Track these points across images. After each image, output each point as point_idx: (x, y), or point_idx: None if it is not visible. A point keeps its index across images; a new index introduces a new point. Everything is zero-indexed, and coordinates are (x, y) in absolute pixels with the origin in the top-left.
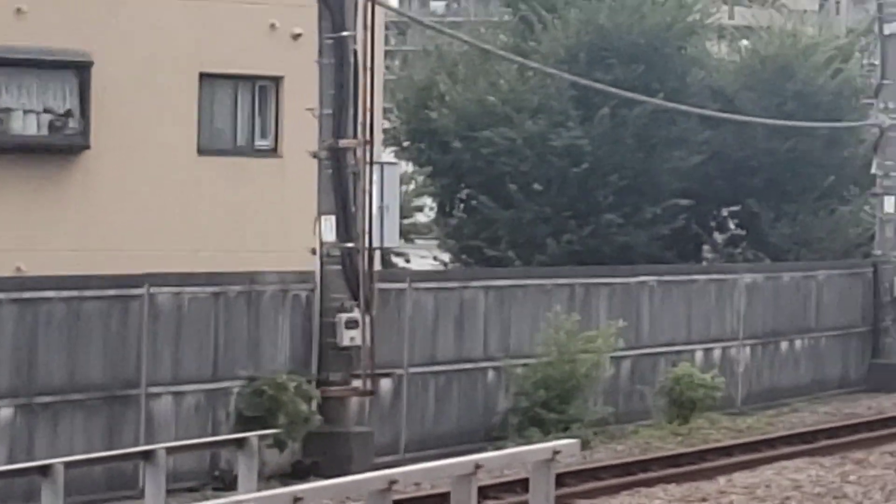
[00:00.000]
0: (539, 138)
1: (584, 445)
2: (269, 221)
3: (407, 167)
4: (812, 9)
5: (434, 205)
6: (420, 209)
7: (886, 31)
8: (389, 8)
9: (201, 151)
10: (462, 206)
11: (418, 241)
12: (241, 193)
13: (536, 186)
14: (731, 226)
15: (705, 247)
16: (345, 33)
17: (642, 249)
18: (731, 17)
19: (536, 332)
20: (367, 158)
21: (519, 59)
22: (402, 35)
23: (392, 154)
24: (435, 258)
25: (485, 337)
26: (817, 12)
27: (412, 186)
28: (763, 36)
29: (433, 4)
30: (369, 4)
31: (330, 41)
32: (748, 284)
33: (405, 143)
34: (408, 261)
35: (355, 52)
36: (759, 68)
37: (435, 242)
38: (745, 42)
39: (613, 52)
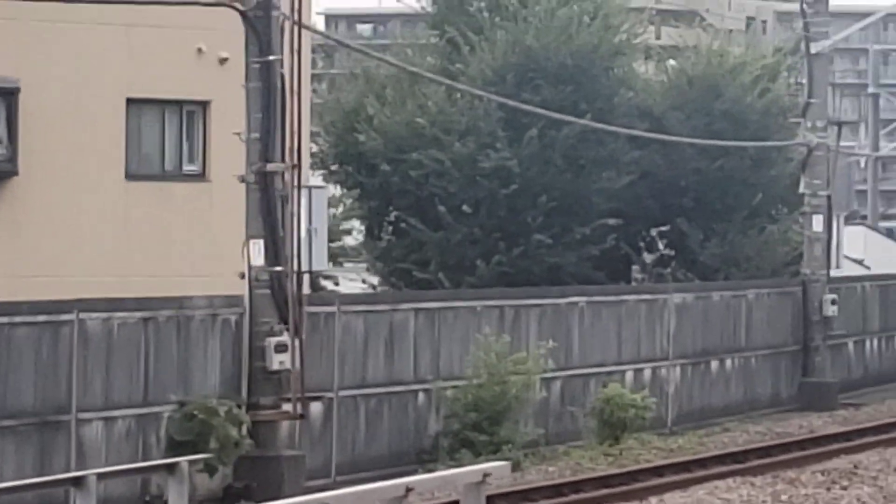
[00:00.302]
0: (468, 160)
1: (515, 467)
2: (198, 246)
3: (335, 190)
4: (739, 28)
5: (362, 228)
6: (348, 232)
7: (813, 50)
8: (315, 31)
9: (129, 176)
10: (391, 228)
11: (347, 265)
12: (170, 218)
13: (465, 208)
14: (661, 246)
15: (635, 267)
16: (271, 57)
17: (572, 270)
18: (657, 37)
19: (467, 353)
20: (296, 182)
21: (447, 81)
22: (329, 58)
23: (320, 177)
24: (364, 281)
25: (415, 359)
26: (744, 32)
27: (340, 209)
28: (690, 56)
29: (360, 27)
30: (295, 28)
31: (257, 65)
32: (678, 304)
33: (333, 167)
34: (337, 284)
35: (282, 76)
36: (686, 88)
37: (364, 266)
38: (672, 62)
39: (541, 73)
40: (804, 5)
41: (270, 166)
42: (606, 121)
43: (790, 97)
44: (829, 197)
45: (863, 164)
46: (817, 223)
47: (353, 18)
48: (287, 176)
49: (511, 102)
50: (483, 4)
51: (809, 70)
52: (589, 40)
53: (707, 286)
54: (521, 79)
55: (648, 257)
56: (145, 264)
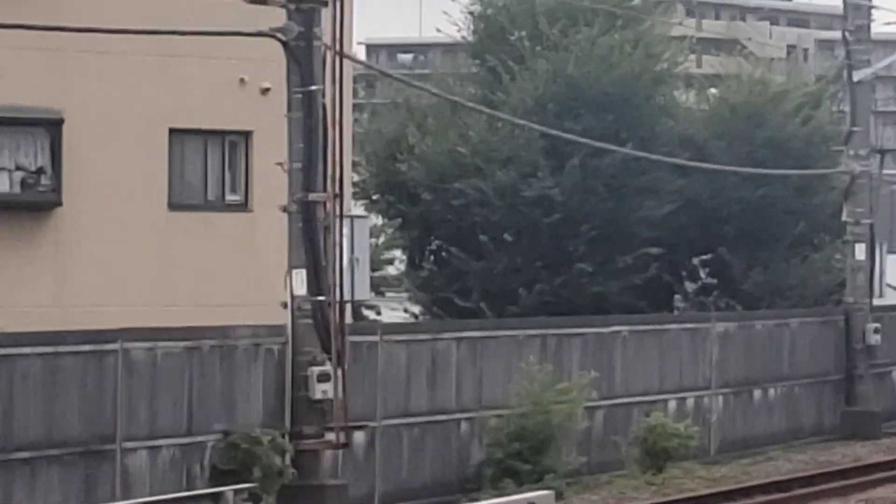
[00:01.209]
0: (510, 189)
1: (559, 496)
2: (241, 275)
3: (376, 220)
4: (780, 56)
5: (404, 257)
6: (390, 262)
7: (855, 78)
8: (357, 61)
9: (172, 206)
10: (432, 257)
11: (389, 294)
12: (212, 248)
13: (507, 237)
14: (703, 274)
15: (677, 296)
16: (313, 87)
17: (614, 299)
18: (699, 65)
19: (509, 382)
20: (338, 212)
21: (488, 110)
22: (371, 88)
23: (361, 207)
24: (406, 311)
25: (458, 388)
26: (785, 59)
27: (382, 239)
28: (732, 84)
29: (401, 57)
30: (337, 58)
31: (299, 95)
32: (721, 333)
33: (374, 196)
34: (378, 313)
35: (324, 106)
36: (728, 116)
37: (406, 295)
38: (713, 90)
39: (582, 102)
40: (846, 33)
41: (312, 196)
42: (648, 149)
43: (832, 125)
44: (871, 225)
45: None
46: (860, 252)
47: (394, 48)
48: (329, 205)
49: (552, 131)
50: (524, 34)
51: (852, 98)
52: (630, 69)
53: (750, 315)
54: (563, 107)
55: (691, 286)
56: (188, 294)
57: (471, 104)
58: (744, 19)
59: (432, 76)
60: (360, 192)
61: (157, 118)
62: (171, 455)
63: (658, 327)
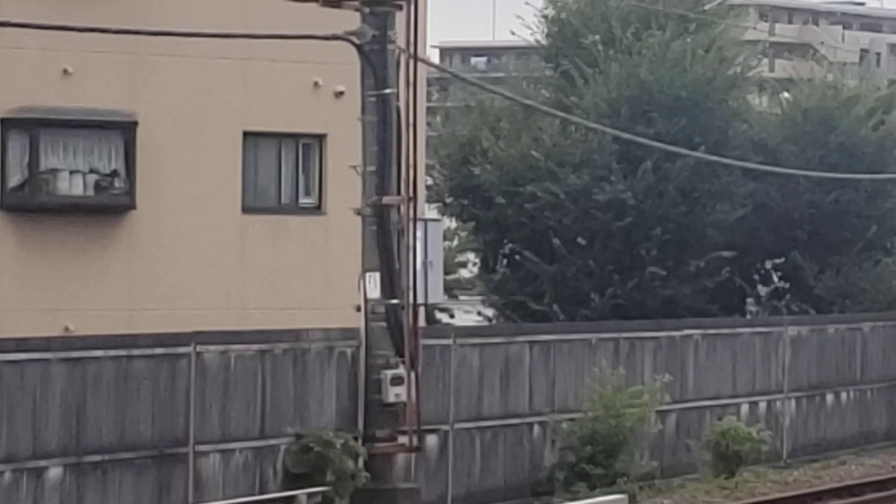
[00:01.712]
0: (582, 192)
1: (631, 500)
2: (314, 278)
3: (450, 223)
4: (852, 61)
5: (477, 260)
6: (463, 265)
7: None
8: (431, 65)
9: (246, 209)
10: (505, 261)
11: (462, 297)
12: (286, 251)
13: (580, 241)
14: (775, 278)
15: (749, 300)
16: (387, 91)
17: (686, 303)
18: (771, 69)
19: (581, 386)
20: (411, 215)
21: (561, 113)
22: (444, 91)
23: (435, 210)
24: (479, 313)
25: (530, 392)
26: (858, 64)
27: (455, 242)
28: (804, 88)
29: (474, 60)
30: (411, 62)
31: (373, 98)
32: (793, 337)
33: (448, 200)
34: (452, 316)
35: (398, 109)
36: (800, 121)
37: (479, 298)
38: (786, 94)
39: (655, 106)
40: None
41: (386, 199)
42: (721, 153)
43: None
44: None
45: None
46: None
47: (468, 51)
48: (403, 209)
49: (625, 135)
50: (597, 38)
51: None
52: (703, 73)
53: (822, 319)
54: (636, 111)
55: (763, 290)
56: (261, 297)
57: (544, 108)
58: (816, 23)
59: (506, 80)
60: (434, 196)
61: (230, 121)
62: (243, 458)
63: (730, 331)
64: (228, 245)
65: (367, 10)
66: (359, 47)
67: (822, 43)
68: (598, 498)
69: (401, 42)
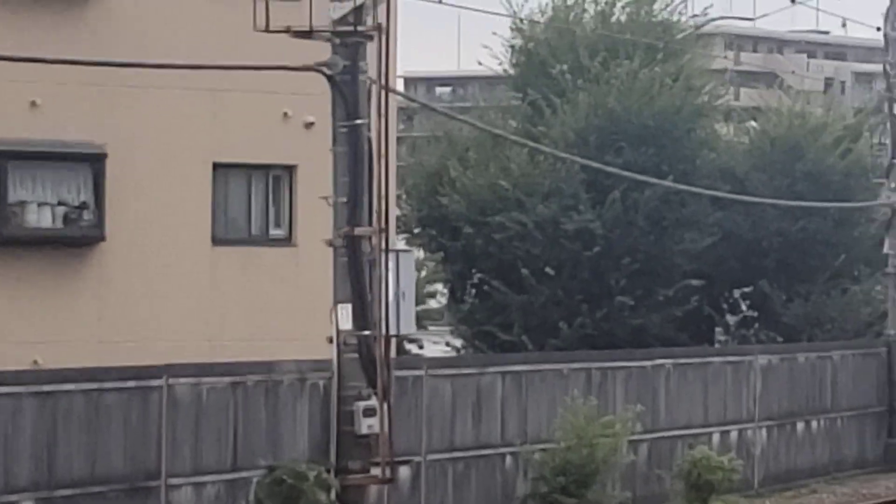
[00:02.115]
0: (551, 222)
1: None
2: (285, 310)
3: (418, 253)
4: (817, 89)
5: (445, 290)
6: (432, 295)
7: None
8: (404, 95)
9: (216, 241)
10: (474, 291)
11: (431, 328)
12: (257, 283)
13: (549, 270)
14: (744, 307)
15: (718, 328)
16: (359, 121)
17: (655, 332)
18: (737, 98)
19: (554, 416)
20: (383, 246)
21: (530, 143)
22: (409, 121)
23: (403, 241)
24: (448, 344)
25: (502, 422)
26: (823, 92)
27: (423, 273)
28: (771, 117)
29: (438, 90)
30: (383, 92)
31: (344, 129)
32: (763, 366)
33: (416, 230)
34: (421, 347)
35: (369, 140)
36: (768, 149)
37: (447, 328)
38: (753, 123)
39: (623, 135)
40: (887, 66)
41: (358, 230)
42: (689, 182)
43: (872, 158)
44: None
45: None
46: None
47: (433, 81)
48: (374, 240)
49: (594, 164)
50: (565, 67)
51: (893, 130)
52: (671, 102)
53: (792, 348)
54: (604, 141)
55: (731, 319)
56: (232, 329)
57: (513, 137)
58: (781, 52)
59: (472, 109)
60: (402, 226)
61: (200, 152)
62: (216, 491)
63: (701, 360)
64: (199, 277)
65: (337, 40)
66: (330, 78)
67: (794, 72)
68: None
69: (372, 73)
